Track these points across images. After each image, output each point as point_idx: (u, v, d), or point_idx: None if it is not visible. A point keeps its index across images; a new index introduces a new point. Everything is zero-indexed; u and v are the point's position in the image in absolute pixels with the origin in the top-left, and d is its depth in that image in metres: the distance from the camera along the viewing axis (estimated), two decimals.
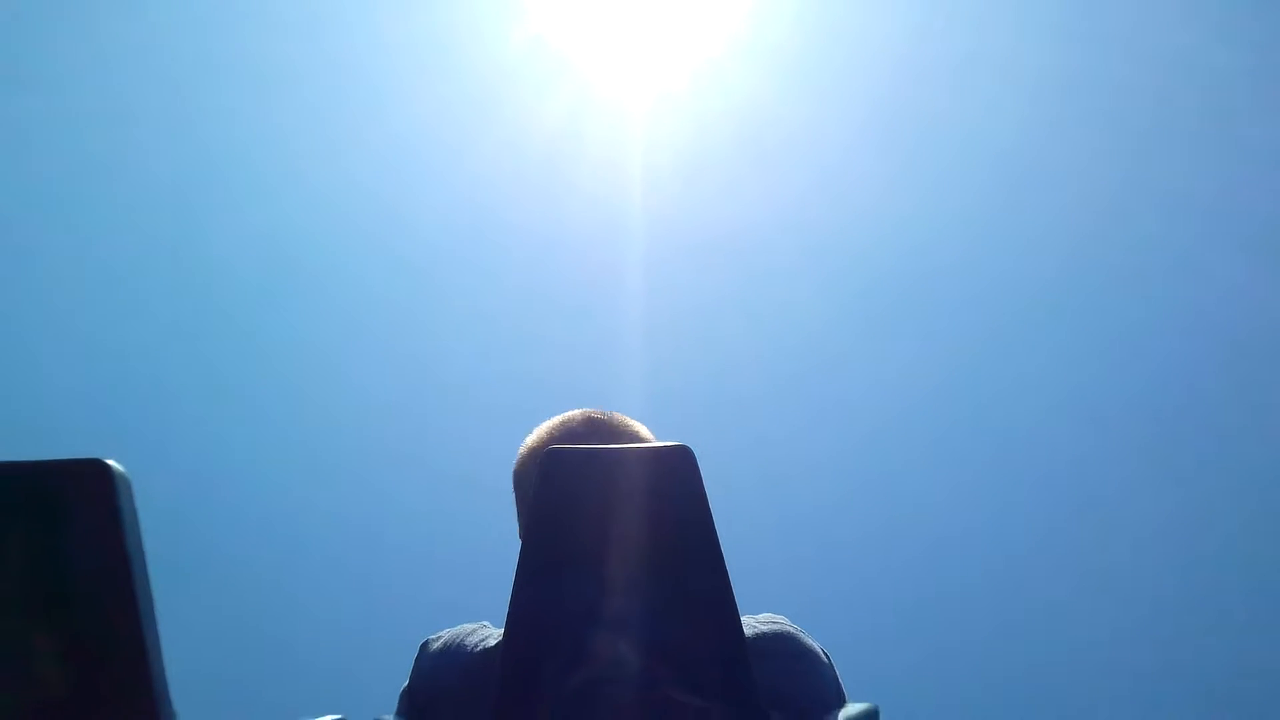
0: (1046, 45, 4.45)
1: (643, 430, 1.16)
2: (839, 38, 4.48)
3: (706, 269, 4.57)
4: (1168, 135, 4.40)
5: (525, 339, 4.43)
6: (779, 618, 1.04)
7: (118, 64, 4.34)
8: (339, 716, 0.94)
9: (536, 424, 1.20)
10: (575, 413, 1.16)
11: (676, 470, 0.83)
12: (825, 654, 1.04)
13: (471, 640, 1.03)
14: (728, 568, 0.85)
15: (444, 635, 1.06)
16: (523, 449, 1.16)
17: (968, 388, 4.41)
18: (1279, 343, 4.21)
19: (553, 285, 4.51)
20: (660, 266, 4.51)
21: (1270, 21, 4.31)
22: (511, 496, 1.18)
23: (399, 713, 1.07)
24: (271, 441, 4.27)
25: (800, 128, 4.46)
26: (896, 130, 4.56)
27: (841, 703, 1.02)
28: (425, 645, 1.07)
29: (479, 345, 4.45)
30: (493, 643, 1.01)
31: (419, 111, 4.51)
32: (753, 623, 1.00)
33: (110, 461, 0.72)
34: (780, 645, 0.99)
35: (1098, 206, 4.48)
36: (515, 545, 0.94)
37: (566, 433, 1.12)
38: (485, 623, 1.09)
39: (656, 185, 4.47)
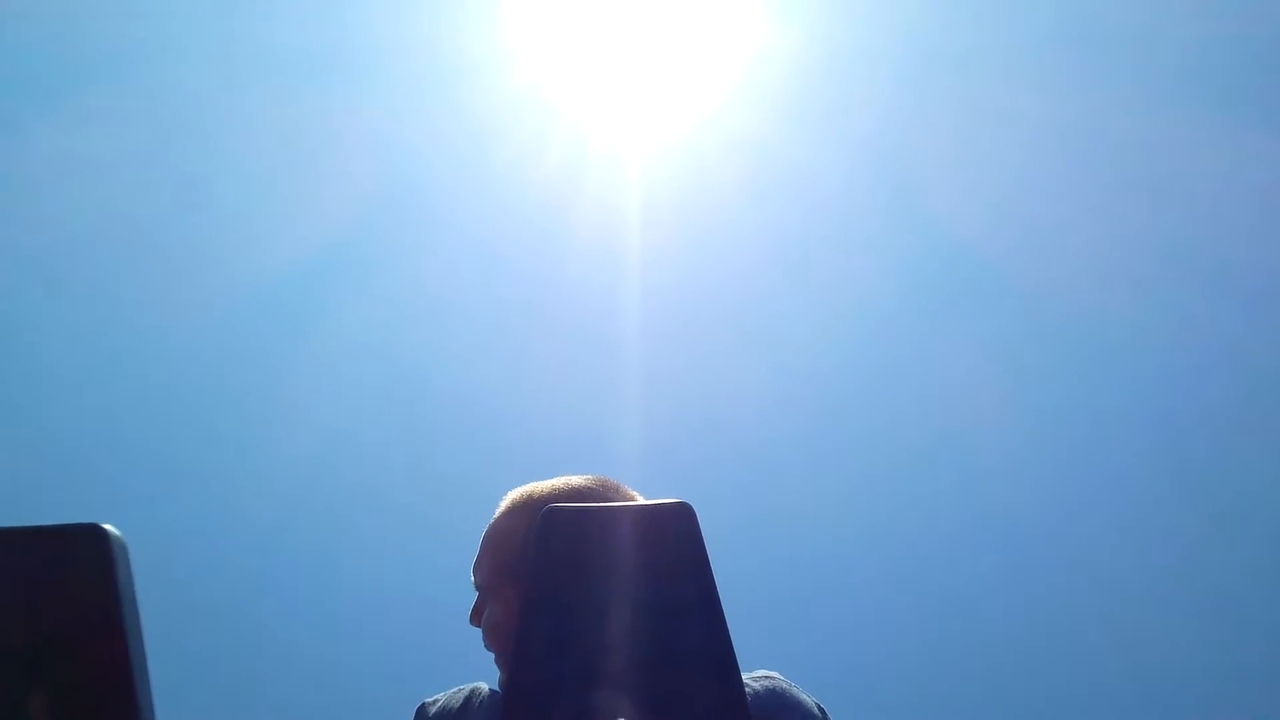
0: (1041, 83, 4.49)
1: (641, 500, 1.16)
2: (836, 78, 4.52)
3: (706, 310, 4.56)
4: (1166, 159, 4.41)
5: (526, 383, 4.42)
6: (773, 674, 1.04)
7: (123, 113, 4.39)
8: None
9: (535, 470, 1.20)
10: (585, 476, 1.16)
11: (676, 527, 0.83)
12: (821, 708, 1.03)
13: (470, 703, 1.02)
14: (729, 625, 0.84)
15: (440, 699, 1.05)
16: (524, 499, 1.16)
17: (976, 422, 4.37)
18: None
19: (551, 329, 4.51)
20: (659, 308, 4.51)
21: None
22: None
23: None
24: (269, 491, 4.24)
25: (798, 170, 4.49)
26: (896, 167, 4.58)
27: None
28: (421, 709, 1.05)
29: (478, 393, 4.44)
30: (490, 705, 1.00)
31: (417, 153, 4.55)
32: (748, 681, 0.99)
33: (107, 526, 0.72)
34: (775, 701, 0.98)
35: (1100, 226, 4.47)
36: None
37: (573, 491, 1.13)
38: (481, 683, 1.08)
39: (654, 229, 4.49)
